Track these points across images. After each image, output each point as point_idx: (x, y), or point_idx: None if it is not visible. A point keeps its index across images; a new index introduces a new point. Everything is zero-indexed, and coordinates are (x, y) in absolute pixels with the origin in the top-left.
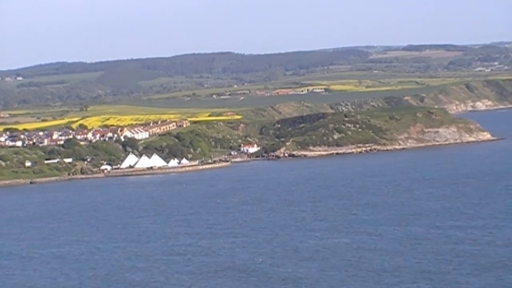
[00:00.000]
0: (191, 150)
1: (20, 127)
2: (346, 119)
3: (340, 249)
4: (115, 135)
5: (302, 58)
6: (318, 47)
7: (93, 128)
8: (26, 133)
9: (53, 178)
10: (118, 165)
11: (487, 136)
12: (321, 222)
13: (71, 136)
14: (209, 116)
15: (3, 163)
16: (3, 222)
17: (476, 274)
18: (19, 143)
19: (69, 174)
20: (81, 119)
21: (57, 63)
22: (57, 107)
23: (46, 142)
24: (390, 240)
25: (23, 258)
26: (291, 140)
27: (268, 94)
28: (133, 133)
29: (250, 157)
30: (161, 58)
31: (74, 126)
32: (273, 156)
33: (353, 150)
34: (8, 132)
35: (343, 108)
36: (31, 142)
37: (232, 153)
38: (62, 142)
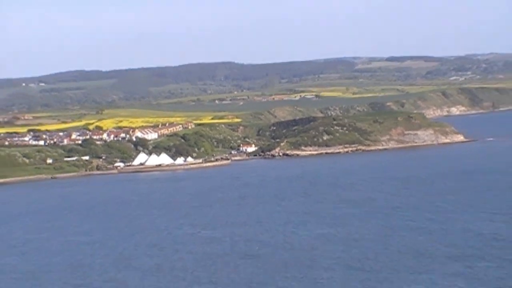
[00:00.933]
0: (196, 149)
1: (43, 128)
2: (335, 122)
3: (327, 239)
4: (128, 136)
5: (295, 67)
6: (310, 58)
7: (107, 129)
8: (47, 134)
9: (72, 174)
10: (130, 163)
11: (460, 138)
12: (309, 215)
13: (88, 136)
14: (211, 119)
15: (27, 160)
16: (27, 213)
17: (445, 262)
18: (41, 142)
19: (86, 170)
20: (97, 121)
21: (75, 71)
22: (76, 110)
23: (65, 141)
24: (372, 229)
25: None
26: (285, 141)
27: (265, 99)
28: (144, 134)
29: (248, 156)
30: (169, 67)
31: (90, 127)
32: (269, 155)
33: (341, 150)
34: (31, 133)
35: (332, 113)
36: (52, 142)
37: (232, 152)
38: (80, 142)
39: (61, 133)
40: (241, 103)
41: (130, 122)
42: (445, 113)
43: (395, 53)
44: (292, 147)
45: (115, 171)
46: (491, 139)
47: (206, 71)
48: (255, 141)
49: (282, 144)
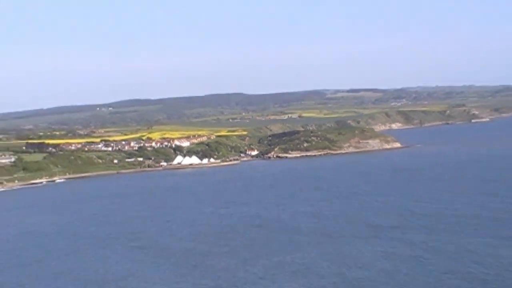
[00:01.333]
0: (216, 153)
1: (111, 138)
2: (312, 134)
3: (306, 214)
4: (169, 144)
5: (284, 96)
6: (294, 89)
7: (155, 139)
8: (114, 143)
9: (131, 170)
10: (171, 162)
11: (398, 145)
12: (293, 198)
13: (141, 144)
14: (227, 132)
15: (100, 161)
16: (100, 197)
17: (387, 230)
18: (109, 148)
19: (140, 168)
20: (148, 134)
21: (134, 99)
22: (133, 126)
23: (126, 148)
24: (337, 208)
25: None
26: (277, 147)
27: (263, 118)
28: (180, 142)
29: (252, 158)
30: (197, 96)
31: (143, 138)
32: (266, 157)
33: (316, 153)
34: (103, 142)
35: (310, 127)
36: (117, 148)
37: (241, 155)
38: (136, 148)
39: (123, 142)
40: (247, 121)
41: (171, 134)
42: (387, 128)
43: (354, 87)
44: (282, 151)
45: (160, 168)
46: (419, 145)
47: (223, 99)
48: (256, 147)
49: (275, 149)
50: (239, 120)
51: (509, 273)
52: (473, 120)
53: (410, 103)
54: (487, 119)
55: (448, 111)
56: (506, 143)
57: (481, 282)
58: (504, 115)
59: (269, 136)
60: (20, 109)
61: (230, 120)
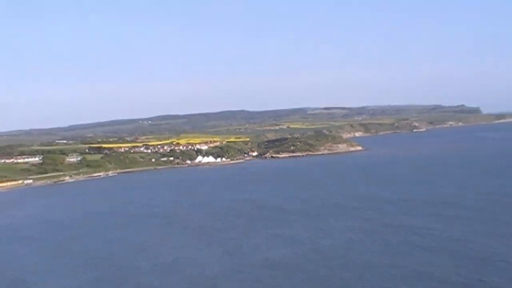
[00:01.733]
0: (226, 154)
1: (150, 143)
2: (297, 140)
3: (291, 200)
4: (192, 147)
5: (277, 112)
6: (284, 107)
7: (182, 144)
8: (152, 146)
9: (164, 167)
10: (194, 161)
11: (359, 148)
12: (281, 188)
13: (172, 148)
14: (234, 139)
15: (141, 160)
16: (141, 187)
17: (351, 210)
18: (149, 151)
19: (171, 165)
20: (177, 140)
21: (167, 115)
22: (166, 135)
23: (161, 150)
24: (314, 195)
25: (145, 203)
26: (271, 150)
27: (261, 129)
28: (200, 146)
29: (253, 157)
30: (212, 112)
31: (174, 143)
32: (263, 157)
33: (300, 154)
34: (144, 146)
35: (295, 135)
36: (154, 150)
37: (245, 155)
38: (168, 150)
39: (158, 146)
40: (249, 130)
41: (194, 140)
42: (352, 135)
43: (327, 105)
44: (275, 153)
45: (186, 165)
46: (375, 149)
47: (232, 114)
48: (256, 149)
49: (270, 151)
50: (243, 130)
51: (439, 240)
52: (414, 130)
53: (368, 117)
54: (424, 129)
55: (396, 123)
56: (435, 147)
57: (419, 248)
58: (437, 126)
59: (265, 141)
60: (84, 122)
61: (237, 130)
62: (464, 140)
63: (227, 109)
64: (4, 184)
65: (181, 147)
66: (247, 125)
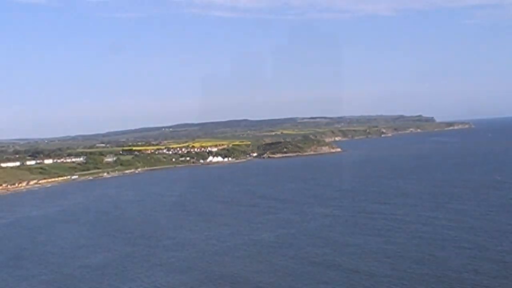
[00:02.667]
0: (232, 154)
1: (171, 146)
2: (288, 143)
3: (280, 191)
4: (205, 149)
5: (273, 121)
6: (278, 117)
7: (196, 147)
8: (172, 149)
9: (182, 165)
10: (206, 160)
11: (339, 150)
12: (274, 182)
13: (189, 150)
14: (239, 142)
15: (164, 159)
16: (163, 181)
17: (328, 200)
18: (170, 152)
19: (188, 164)
20: (192, 144)
21: (184, 123)
22: (183, 139)
23: (179, 152)
24: (298, 188)
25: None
26: (268, 151)
27: (260, 134)
28: (211, 149)
29: (253, 158)
30: (221, 121)
31: (189, 146)
32: (262, 157)
33: (291, 155)
34: (166, 148)
35: (287, 139)
36: (174, 152)
37: (247, 156)
38: (185, 152)
39: (178, 148)
40: (251, 136)
41: (206, 144)
42: (333, 140)
43: (313, 115)
44: (271, 154)
45: (199, 164)
46: (351, 150)
47: (236, 123)
48: (256, 151)
49: (267, 153)
50: (245, 135)
51: (397, 221)
52: (382, 135)
53: (346, 125)
54: (390, 135)
55: (368, 130)
56: (398, 149)
57: (387, 232)
58: (400, 132)
59: (263, 145)
60: (118, 129)
61: (241, 135)
62: (415, 143)
63: (233, 119)
64: (56, 179)
65: (195, 149)
66: (248, 132)
